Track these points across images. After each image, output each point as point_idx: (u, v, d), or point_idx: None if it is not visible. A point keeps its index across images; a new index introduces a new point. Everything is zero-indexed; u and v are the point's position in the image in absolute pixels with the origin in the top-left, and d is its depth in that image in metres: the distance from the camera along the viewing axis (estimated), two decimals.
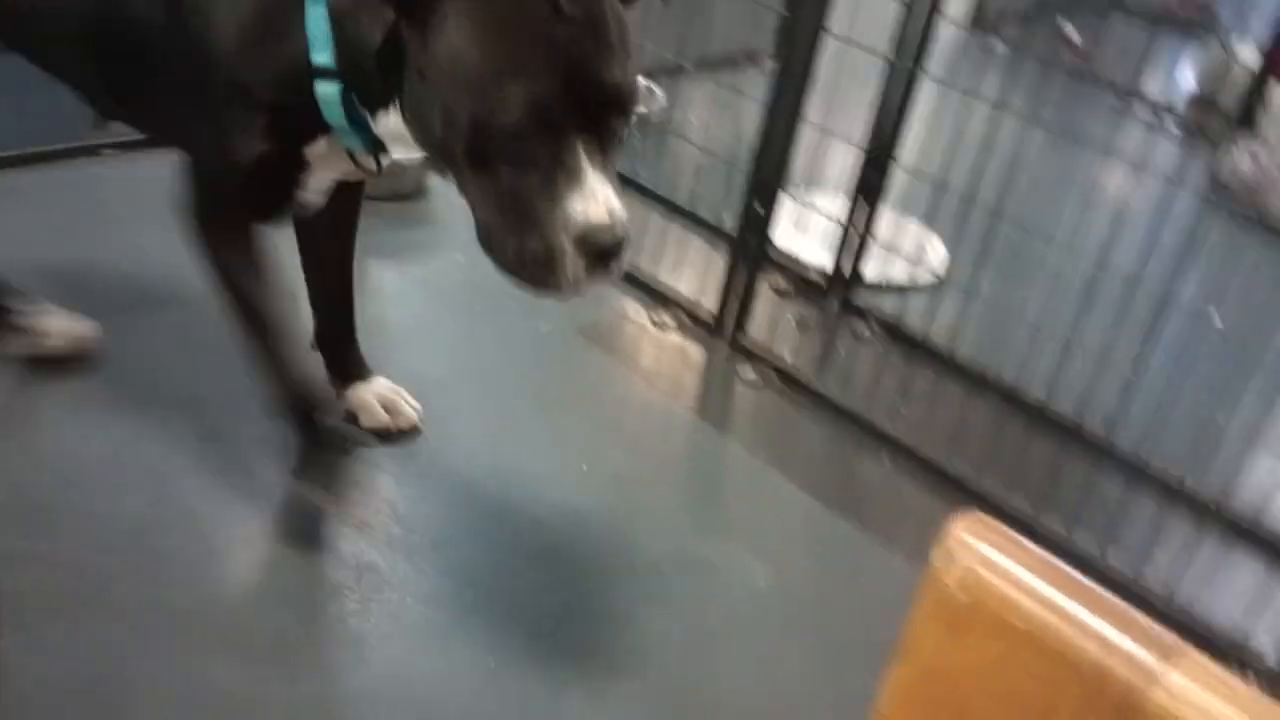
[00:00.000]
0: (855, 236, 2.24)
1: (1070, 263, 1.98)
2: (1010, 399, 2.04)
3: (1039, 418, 2.01)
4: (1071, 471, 1.92)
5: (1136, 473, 1.92)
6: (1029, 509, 1.82)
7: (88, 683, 1.25)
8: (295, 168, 1.33)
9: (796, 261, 2.32)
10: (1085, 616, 0.51)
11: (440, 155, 1.20)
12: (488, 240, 1.19)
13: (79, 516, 1.44)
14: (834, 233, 2.24)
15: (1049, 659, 0.51)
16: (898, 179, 2.17)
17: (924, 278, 2.32)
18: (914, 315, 2.20)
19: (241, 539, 1.47)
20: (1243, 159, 3.19)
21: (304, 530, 1.48)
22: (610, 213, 1.12)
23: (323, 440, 1.48)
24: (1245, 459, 1.84)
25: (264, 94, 1.26)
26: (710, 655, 1.47)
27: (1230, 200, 3.06)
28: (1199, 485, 1.89)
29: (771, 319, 2.18)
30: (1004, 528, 0.55)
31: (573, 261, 1.13)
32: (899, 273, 2.30)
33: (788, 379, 2.06)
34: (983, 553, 0.54)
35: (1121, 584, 1.72)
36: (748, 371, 2.07)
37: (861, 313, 2.26)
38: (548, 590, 1.50)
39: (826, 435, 1.95)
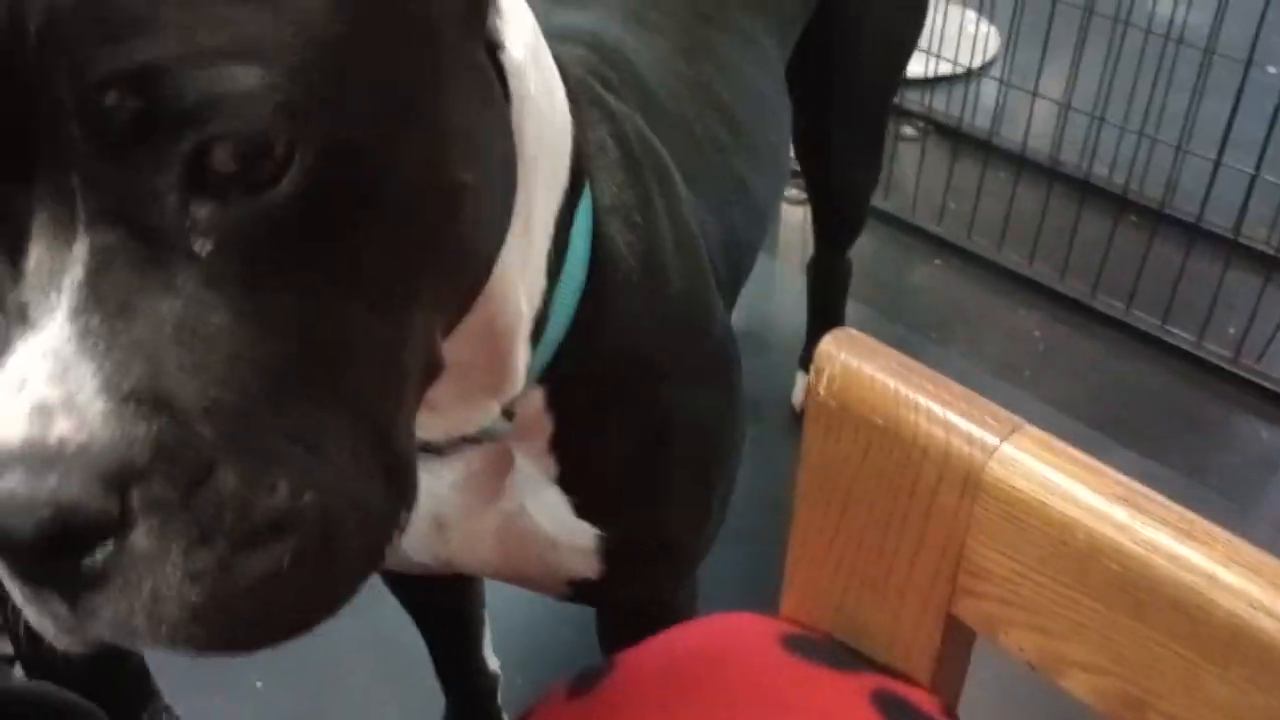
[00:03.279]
0: None
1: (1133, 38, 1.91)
2: (1059, 180, 2.02)
3: (1090, 196, 2.00)
4: (1125, 247, 1.91)
5: (1192, 237, 1.90)
6: (1085, 289, 1.84)
7: None
8: None
9: None
10: (933, 406, 0.58)
11: None
12: None
13: None
14: None
15: (905, 446, 0.58)
16: None
17: (963, 66, 2.28)
18: (962, 107, 2.17)
19: None
20: None
21: None
22: (17, 434, 0.37)
23: None
24: None
25: None
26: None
27: None
28: (1257, 239, 1.86)
29: None
30: (867, 338, 0.62)
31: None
32: (944, 65, 2.26)
33: None
34: (845, 361, 0.60)
35: (1183, 351, 1.75)
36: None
37: (905, 112, 2.24)
38: None
39: (872, 242, 1.98)
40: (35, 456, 0.36)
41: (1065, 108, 1.95)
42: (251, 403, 0.40)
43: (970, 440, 0.56)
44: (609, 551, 0.73)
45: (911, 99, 2.24)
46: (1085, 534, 0.52)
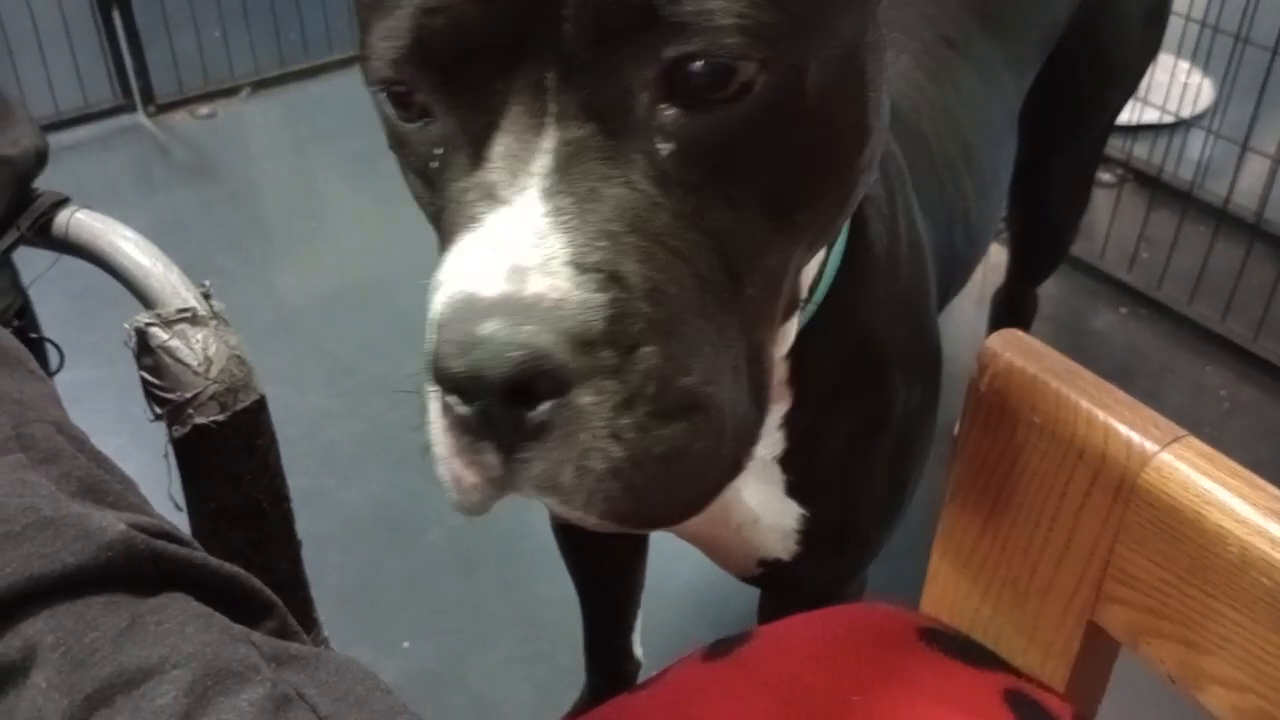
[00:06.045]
0: None
1: None
2: (1261, 238, 1.94)
3: None
4: None
5: None
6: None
7: (385, 511, 1.52)
8: None
9: None
10: (1094, 410, 0.58)
11: None
12: None
13: (372, 377, 1.72)
14: None
15: (1061, 446, 0.59)
16: None
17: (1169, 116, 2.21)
18: (1164, 156, 2.10)
19: None
20: None
21: None
22: (495, 289, 0.42)
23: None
24: None
25: None
26: None
27: None
28: None
29: None
30: (1034, 340, 0.63)
31: (438, 419, 0.46)
32: (1150, 112, 2.19)
33: None
34: (1007, 359, 0.61)
35: None
36: None
37: (1104, 158, 2.18)
38: None
39: (1057, 285, 1.94)
40: (512, 308, 0.41)
41: (1276, 163, 1.87)
42: (682, 294, 0.44)
43: (1128, 446, 0.57)
44: (806, 533, 0.75)
45: (1112, 145, 2.18)
46: (1238, 546, 0.52)
